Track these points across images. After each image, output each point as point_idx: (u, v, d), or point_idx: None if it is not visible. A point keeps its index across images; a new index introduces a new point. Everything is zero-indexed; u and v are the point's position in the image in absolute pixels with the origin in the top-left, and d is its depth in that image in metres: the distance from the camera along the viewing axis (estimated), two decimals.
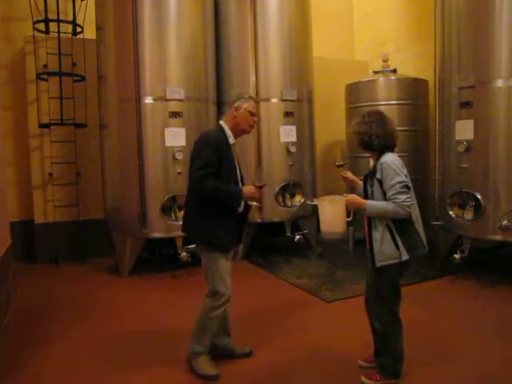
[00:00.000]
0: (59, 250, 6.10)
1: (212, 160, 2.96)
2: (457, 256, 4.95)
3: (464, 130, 4.94)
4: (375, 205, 2.68)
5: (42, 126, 6.08)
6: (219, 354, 3.26)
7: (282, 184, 6.00)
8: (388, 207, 2.64)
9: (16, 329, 4.01)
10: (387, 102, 6.25)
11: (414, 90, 6.38)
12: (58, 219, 6.16)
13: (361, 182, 3.05)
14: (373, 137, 2.78)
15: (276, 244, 6.79)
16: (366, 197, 2.85)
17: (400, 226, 2.70)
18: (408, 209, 2.65)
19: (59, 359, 3.41)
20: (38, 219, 6.20)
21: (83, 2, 6.13)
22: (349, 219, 2.90)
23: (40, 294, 4.96)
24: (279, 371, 3.16)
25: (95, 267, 5.94)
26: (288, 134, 5.99)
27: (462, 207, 5.01)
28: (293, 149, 5.97)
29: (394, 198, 2.64)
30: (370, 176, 2.80)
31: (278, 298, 4.67)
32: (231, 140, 3.10)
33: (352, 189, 3.15)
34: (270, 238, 6.88)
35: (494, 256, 5.68)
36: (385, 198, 2.70)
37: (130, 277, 5.45)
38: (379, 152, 2.82)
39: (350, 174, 3.08)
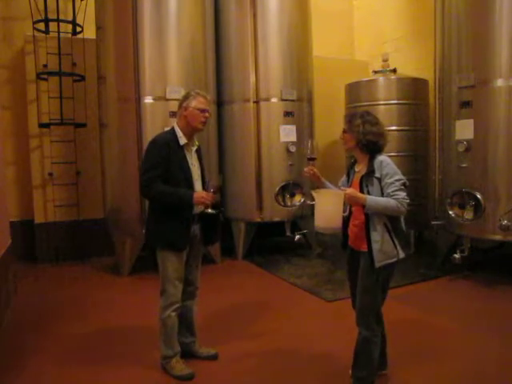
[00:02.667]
0: (59, 249, 6.10)
1: (157, 162, 2.98)
2: (457, 256, 4.95)
3: (464, 129, 4.94)
4: (376, 199, 2.63)
5: (41, 125, 6.08)
6: (183, 353, 3.22)
7: (282, 184, 6.00)
8: (389, 203, 2.61)
9: (16, 328, 4.01)
10: (387, 102, 6.24)
11: (413, 89, 6.37)
12: (58, 219, 6.16)
13: (325, 182, 2.99)
14: (380, 137, 2.76)
15: (276, 244, 6.79)
16: None
17: (394, 225, 2.70)
18: (406, 206, 2.64)
19: (59, 359, 3.41)
20: (38, 219, 6.20)
21: (83, 1, 6.13)
22: (344, 214, 2.76)
23: (40, 294, 4.96)
24: (277, 371, 3.16)
25: (95, 267, 5.94)
26: (288, 133, 5.99)
27: (462, 207, 5.01)
28: (293, 148, 5.96)
29: (395, 195, 2.62)
30: (366, 176, 2.73)
31: (278, 298, 4.67)
32: (182, 141, 3.06)
33: (320, 185, 3.02)
34: (269, 237, 6.88)
35: (494, 256, 5.68)
36: (382, 196, 2.67)
37: (130, 276, 5.45)
38: (374, 153, 2.76)
39: (316, 170, 2.99)
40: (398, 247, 2.69)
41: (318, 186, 2.99)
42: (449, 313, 4.14)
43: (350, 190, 2.64)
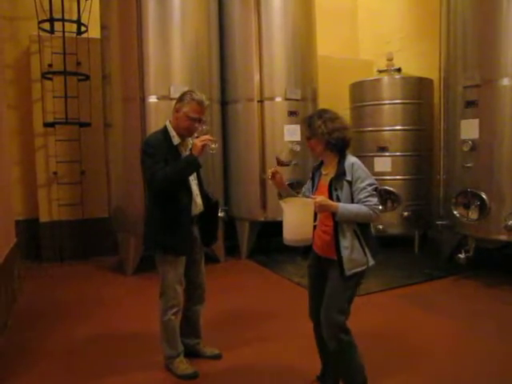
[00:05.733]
0: (64, 248, 6.13)
1: (156, 160, 2.88)
2: (461, 256, 4.93)
3: (469, 129, 4.92)
4: (347, 207, 2.45)
5: (46, 125, 6.10)
6: (187, 353, 3.22)
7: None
8: (361, 210, 2.45)
9: (21, 327, 4.02)
10: (392, 101, 6.23)
11: (418, 89, 6.35)
12: (63, 218, 6.19)
13: (288, 189, 2.82)
14: (346, 130, 2.58)
15: (280, 243, 6.75)
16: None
17: (363, 231, 2.54)
18: (379, 212, 2.49)
19: (63, 358, 3.42)
20: (43, 218, 6.22)
21: (88, 1, 6.14)
22: (315, 223, 2.54)
23: (45, 293, 4.97)
24: (281, 370, 3.16)
25: (99, 266, 5.96)
26: (292, 133, 5.98)
27: (467, 207, 4.98)
28: (297, 148, 5.95)
29: (367, 201, 2.46)
30: (336, 179, 2.54)
31: (281, 297, 4.67)
32: (175, 140, 2.98)
33: (283, 192, 2.83)
34: (273, 237, 6.87)
35: (499, 256, 5.66)
36: (352, 201, 2.50)
37: (135, 275, 5.46)
38: (344, 151, 2.58)
39: (280, 175, 2.78)
40: (368, 254, 2.53)
41: (281, 193, 2.81)
42: (452, 313, 4.13)
43: (320, 199, 2.43)
